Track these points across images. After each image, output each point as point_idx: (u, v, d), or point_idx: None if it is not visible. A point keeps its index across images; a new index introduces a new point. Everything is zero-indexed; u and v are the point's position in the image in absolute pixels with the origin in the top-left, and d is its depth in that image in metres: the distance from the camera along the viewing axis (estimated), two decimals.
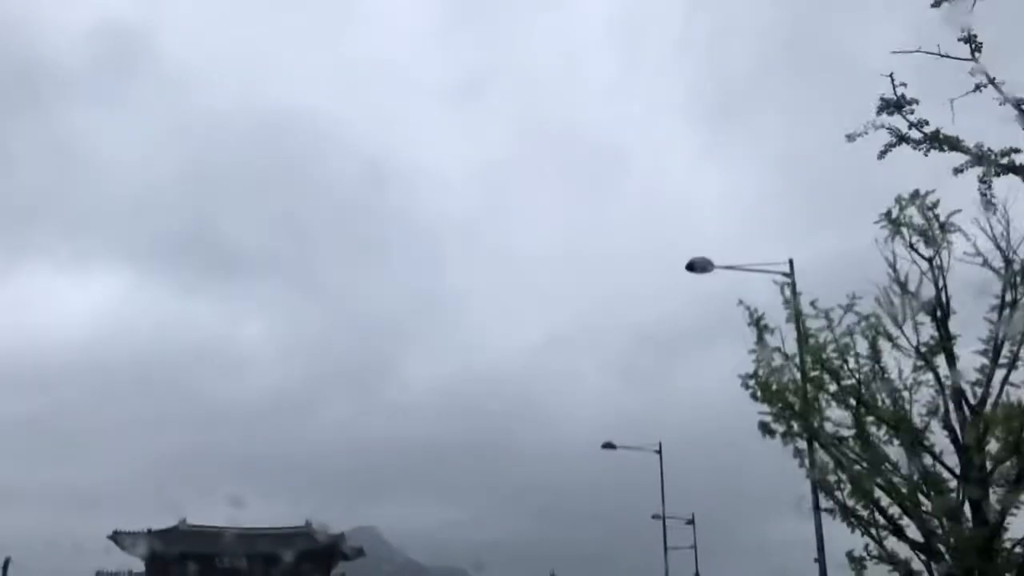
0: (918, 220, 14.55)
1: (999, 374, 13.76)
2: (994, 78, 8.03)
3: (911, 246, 14.64)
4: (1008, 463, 13.37)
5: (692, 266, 19.73)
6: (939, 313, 14.32)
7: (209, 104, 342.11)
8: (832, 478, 14.52)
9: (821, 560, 16.76)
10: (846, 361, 14.54)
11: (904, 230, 14.60)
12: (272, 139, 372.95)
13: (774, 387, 14.83)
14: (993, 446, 13.54)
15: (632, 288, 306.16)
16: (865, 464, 14.20)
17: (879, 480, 13.90)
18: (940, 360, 14.15)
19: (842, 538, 14.37)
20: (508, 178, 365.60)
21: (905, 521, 13.81)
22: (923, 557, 13.64)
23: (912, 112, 8.94)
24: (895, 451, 14.13)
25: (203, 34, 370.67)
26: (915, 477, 13.83)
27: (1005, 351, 13.80)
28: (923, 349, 14.25)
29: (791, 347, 15.02)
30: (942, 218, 14.36)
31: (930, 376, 14.17)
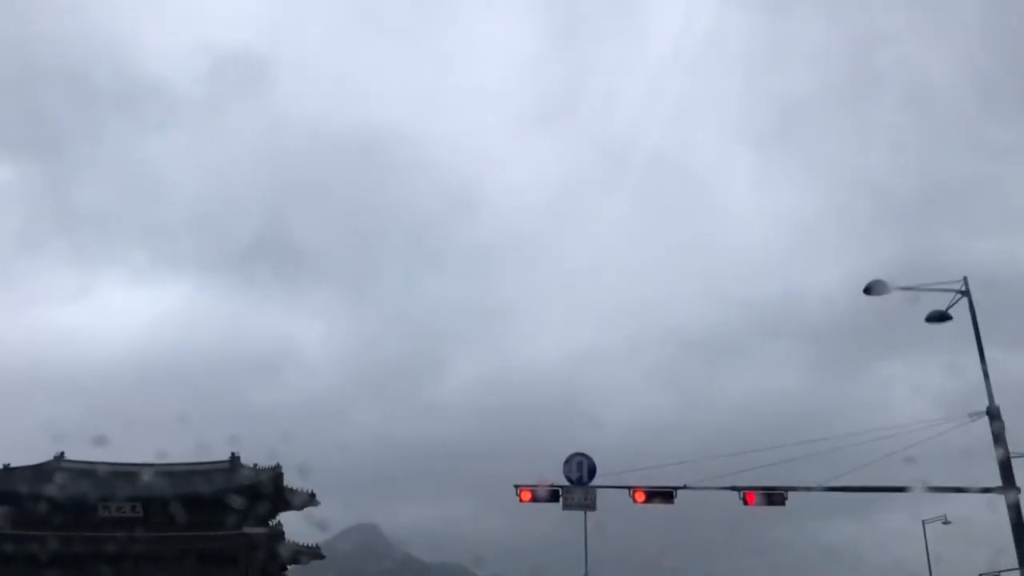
0: None
1: None
2: None
3: None
4: None
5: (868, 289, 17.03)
6: None
7: (299, 122, 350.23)
8: None
9: None
10: None
11: None
12: (355, 157, 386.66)
13: None
14: None
15: (679, 301, 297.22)
16: None
17: None
18: None
19: None
20: (573, 196, 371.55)
21: None
22: None
23: None
24: None
25: (303, 56, 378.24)
26: None
27: None
28: None
29: None
30: None
31: None
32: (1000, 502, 15.14)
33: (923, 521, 41.25)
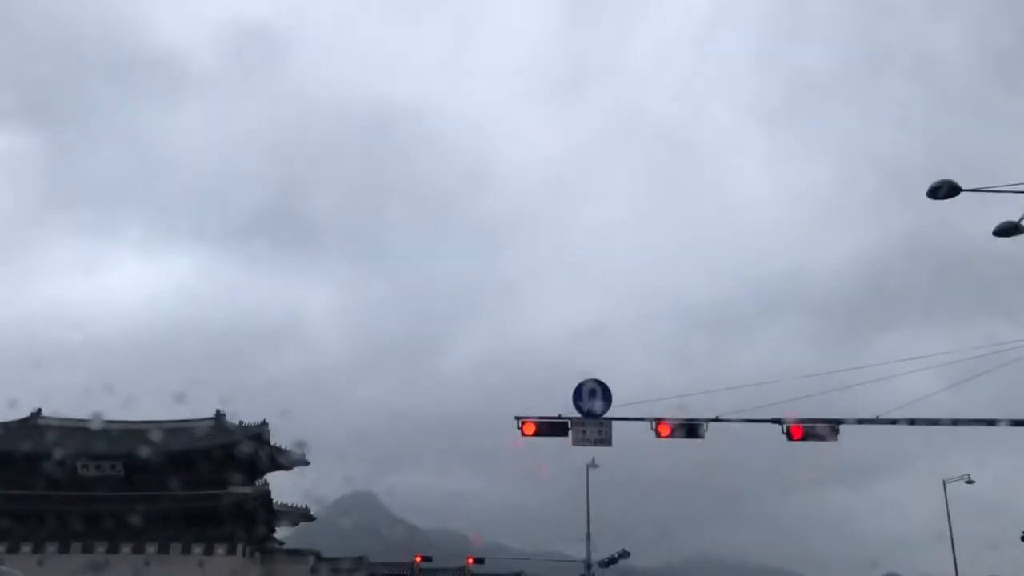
0: None
1: None
2: None
3: None
4: None
5: (934, 191, 13.90)
6: None
7: (312, 97, 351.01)
8: None
9: None
10: None
11: None
12: (366, 131, 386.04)
13: None
14: None
15: (687, 276, 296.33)
16: None
17: None
18: None
19: None
20: (583, 172, 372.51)
21: None
22: None
23: None
24: None
25: (317, 32, 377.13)
26: None
27: None
28: None
29: None
30: None
31: None
32: None
33: (944, 481, 39.10)
